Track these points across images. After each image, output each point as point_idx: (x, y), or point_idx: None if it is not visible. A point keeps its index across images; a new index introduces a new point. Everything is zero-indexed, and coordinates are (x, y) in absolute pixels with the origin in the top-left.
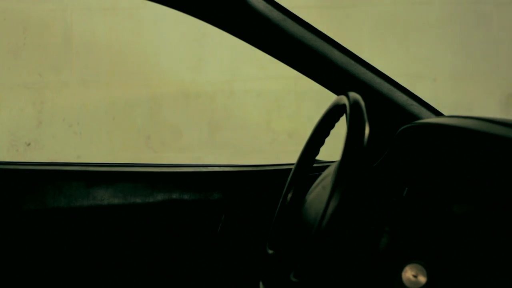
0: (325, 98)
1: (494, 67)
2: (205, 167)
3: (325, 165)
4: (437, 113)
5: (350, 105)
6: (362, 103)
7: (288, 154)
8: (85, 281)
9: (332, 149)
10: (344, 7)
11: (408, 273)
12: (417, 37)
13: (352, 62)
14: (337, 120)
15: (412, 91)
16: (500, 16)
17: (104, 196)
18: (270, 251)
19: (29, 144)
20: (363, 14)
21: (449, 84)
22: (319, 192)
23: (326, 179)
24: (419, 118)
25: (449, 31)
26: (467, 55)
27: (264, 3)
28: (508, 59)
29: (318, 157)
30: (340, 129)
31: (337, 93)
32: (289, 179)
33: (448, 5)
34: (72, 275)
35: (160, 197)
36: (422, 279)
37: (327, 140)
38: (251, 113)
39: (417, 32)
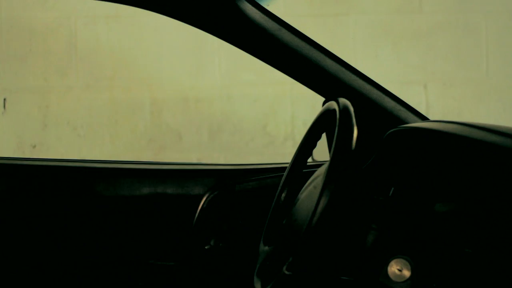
0: (319, 103)
1: (483, 74)
2: (205, 165)
3: (317, 164)
4: (423, 118)
5: (340, 110)
6: (351, 108)
7: (283, 156)
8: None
9: None
10: (338, 15)
11: (393, 267)
12: (408, 45)
13: (343, 69)
14: (328, 124)
15: (400, 97)
16: (488, 25)
17: (107, 190)
18: (265, 247)
19: (34, 146)
20: (356, 22)
21: (439, 90)
22: (311, 191)
23: (317, 179)
24: (406, 123)
25: (439, 39)
26: (457, 62)
27: (261, 13)
28: (496, 66)
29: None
30: None
31: (329, 99)
32: (283, 179)
33: (438, 14)
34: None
35: (145, 190)
36: (407, 272)
37: None
38: (248, 117)
39: (408, 40)
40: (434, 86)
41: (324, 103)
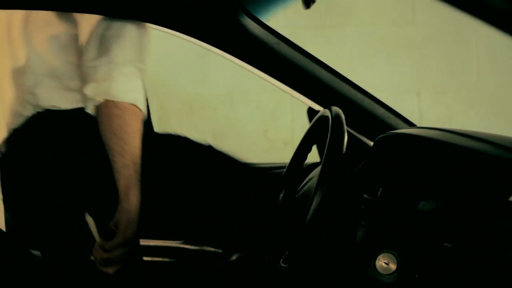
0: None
1: (473, 82)
2: None
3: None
4: (411, 124)
5: (332, 118)
6: (343, 116)
7: (283, 160)
8: None
9: None
10: (335, 27)
11: (381, 261)
12: (402, 55)
13: (337, 80)
14: (322, 130)
15: (394, 105)
16: (477, 35)
17: None
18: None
19: None
20: (353, 33)
21: (432, 98)
22: (306, 191)
23: (311, 180)
24: (395, 129)
25: (432, 49)
26: (448, 71)
27: (261, 28)
28: (486, 74)
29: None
30: None
31: (324, 107)
32: (281, 181)
33: (430, 26)
34: None
35: None
36: (393, 266)
37: None
38: (250, 123)
39: (402, 50)
40: (427, 94)
41: (308, 110)
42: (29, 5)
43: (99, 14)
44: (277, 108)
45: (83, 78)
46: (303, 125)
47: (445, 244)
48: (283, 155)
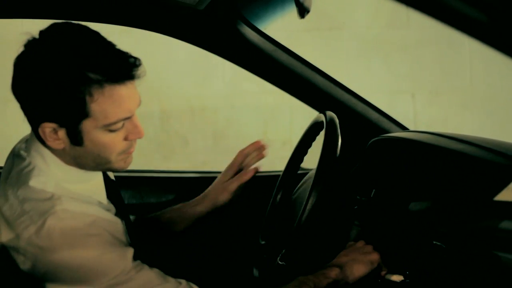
0: (314, 110)
1: (467, 83)
2: (210, 173)
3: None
4: (403, 128)
5: (327, 123)
6: (337, 120)
7: (282, 160)
8: None
9: None
10: (332, 29)
11: None
12: (397, 57)
13: (332, 85)
14: (317, 134)
15: (390, 106)
16: (470, 38)
17: (125, 197)
18: (263, 242)
19: None
20: (349, 36)
21: (426, 99)
22: (301, 192)
23: (307, 182)
24: (388, 132)
25: (426, 51)
26: (442, 73)
27: (258, 36)
28: (479, 76)
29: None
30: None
31: (320, 111)
32: (278, 183)
33: (425, 29)
34: None
35: (170, 197)
36: None
37: None
38: (250, 124)
39: (397, 53)
40: (421, 95)
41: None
42: (30, 15)
43: (106, 22)
44: (276, 109)
45: None
46: (302, 125)
47: (434, 242)
48: (282, 155)
